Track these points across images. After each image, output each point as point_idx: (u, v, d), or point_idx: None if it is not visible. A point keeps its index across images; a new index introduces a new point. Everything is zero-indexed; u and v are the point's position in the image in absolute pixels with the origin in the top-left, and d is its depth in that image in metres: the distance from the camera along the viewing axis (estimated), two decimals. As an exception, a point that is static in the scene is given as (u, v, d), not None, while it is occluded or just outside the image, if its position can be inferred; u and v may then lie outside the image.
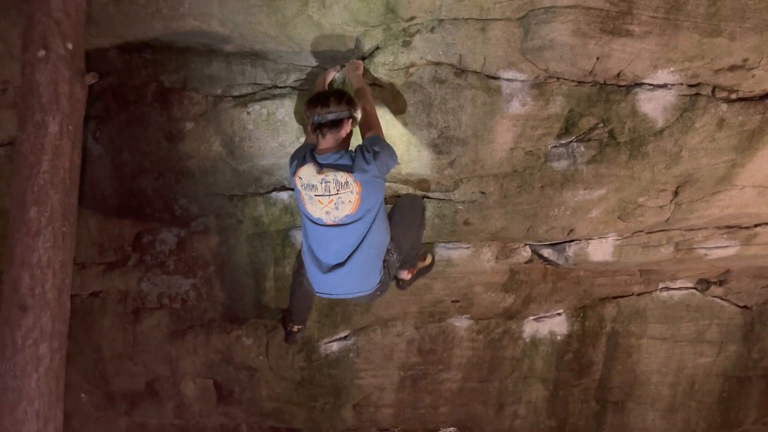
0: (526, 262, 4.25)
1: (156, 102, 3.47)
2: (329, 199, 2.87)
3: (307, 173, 2.89)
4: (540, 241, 4.06)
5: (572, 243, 3.99)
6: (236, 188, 3.71)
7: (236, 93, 3.45)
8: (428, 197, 3.62)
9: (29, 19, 2.60)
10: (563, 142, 3.42)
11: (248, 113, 3.43)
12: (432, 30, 3.06)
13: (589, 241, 3.96)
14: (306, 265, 3.16)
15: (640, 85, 3.24)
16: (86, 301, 4.05)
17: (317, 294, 3.19)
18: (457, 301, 4.34)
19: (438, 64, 3.15)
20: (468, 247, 4.05)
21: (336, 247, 2.98)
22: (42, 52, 2.59)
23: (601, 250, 3.99)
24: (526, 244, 4.15)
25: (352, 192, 2.84)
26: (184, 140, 3.52)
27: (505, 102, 3.22)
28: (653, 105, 3.25)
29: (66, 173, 2.74)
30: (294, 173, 2.95)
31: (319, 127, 2.85)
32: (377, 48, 3.16)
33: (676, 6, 2.95)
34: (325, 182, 2.85)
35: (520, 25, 3.02)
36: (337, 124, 2.84)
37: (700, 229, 3.98)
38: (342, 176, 2.82)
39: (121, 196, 3.72)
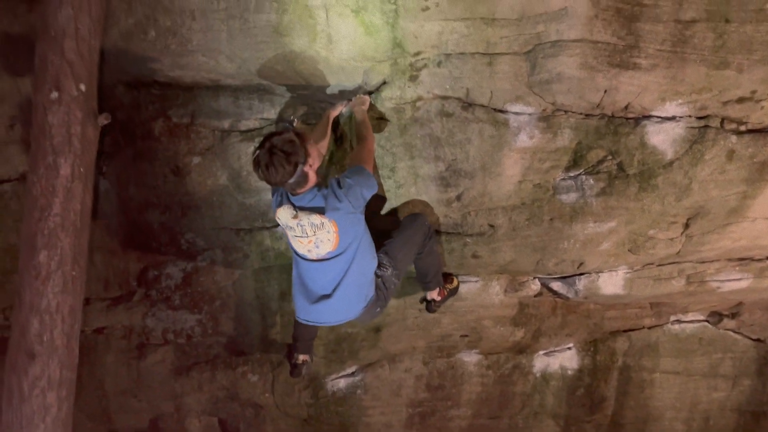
0: (535, 296, 4.20)
1: (163, 137, 3.48)
2: (308, 239, 2.91)
3: (284, 215, 2.92)
4: (549, 274, 4.01)
5: (582, 276, 3.95)
6: (243, 222, 3.70)
7: (243, 127, 3.46)
8: (436, 231, 3.59)
9: (42, 61, 2.60)
10: (572, 174, 3.40)
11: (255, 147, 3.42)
12: (439, 64, 3.08)
13: (600, 274, 3.92)
14: (294, 292, 3.18)
15: (648, 117, 3.23)
16: (90, 337, 4.01)
17: (301, 321, 3.21)
18: (466, 336, 4.28)
19: (445, 98, 3.16)
20: (477, 281, 4.01)
21: (322, 279, 3.02)
22: (55, 94, 2.58)
23: (611, 283, 3.94)
24: (535, 277, 4.11)
25: (329, 231, 2.87)
26: (191, 174, 3.52)
27: (512, 135, 3.21)
28: (662, 137, 3.24)
29: (77, 216, 2.71)
30: (275, 211, 2.99)
31: (287, 189, 2.88)
32: (384, 82, 3.18)
33: (682, 39, 2.96)
34: (301, 225, 2.88)
35: (527, 59, 3.03)
36: (299, 179, 2.79)
37: (712, 261, 3.93)
38: (316, 218, 2.84)
39: (127, 230, 3.71)
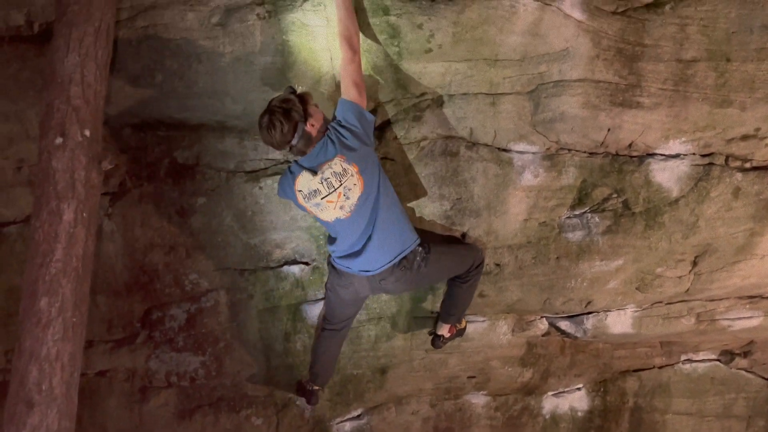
0: (543, 335, 4.14)
1: (169, 178, 3.49)
2: (337, 193, 2.82)
3: (304, 182, 2.85)
4: (557, 314, 3.97)
5: (590, 315, 3.90)
6: (247, 262, 3.68)
7: (249, 168, 3.47)
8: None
9: (48, 107, 2.62)
10: (577, 212, 3.39)
11: (260, 188, 3.44)
12: (442, 105, 3.10)
13: (608, 312, 3.88)
14: (340, 265, 3.08)
15: (652, 155, 3.24)
16: (92, 380, 3.96)
17: (364, 274, 3.04)
18: (474, 377, 4.21)
19: (449, 137, 3.18)
20: (484, 320, 3.96)
21: (359, 228, 2.92)
22: (60, 140, 2.58)
23: (620, 322, 3.90)
24: (543, 317, 4.06)
25: (352, 175, 2.79)
26: (196, 215, 3.52)
27: (517, 174, 3.22)
28: (667, 175, 3.25)
29: (79, 261, 2.69)
30: (293, 191, 2.91)
31: (294, 152, 2.80)
32: (389, 122, 3.20)
33: (684, 78, 2.99)
34: (325, 180, 2.80)
35: (530, 98, 3.05)
36: (304, 138, 2.73)
37: (722, 299, 3.89)
38: (336, 165, 2.77)
39: (131, 271, 3.70)
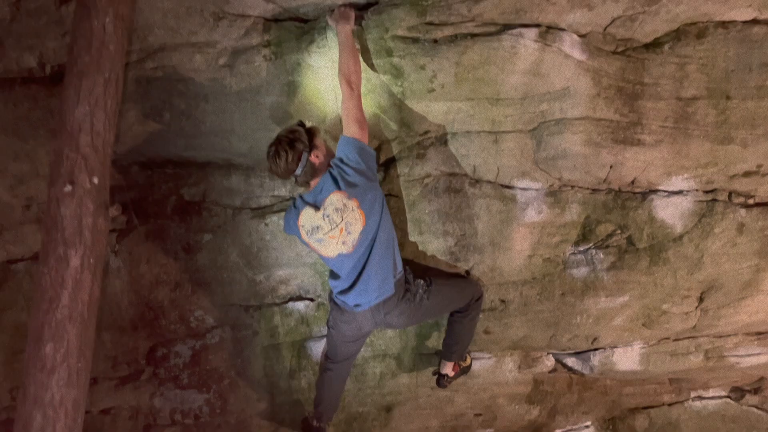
0: (550, 372, 4.10)
1: (176, 215, 3.52)
2: (339, 229, 2.83)
3: (307, 218, 2.87)
4: (563, 350, 3.94)
5: (597, 351, 3.86)
6: (252, 299, 3.69)
7: (255, 205, 3.50)
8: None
9: (57, 155, 2.66)
10: (582, 249, 3.39)
11: (266, 224, 3.46)
12: (445, 142, 3.14)
13: (615, 349, 3.84)
14: (339, 300, 3.08)
15: (655, 191, 3.25)
16: (96, 417, 3.93)
17: (352, 309, 3.06)
18: (480, 415, 4.16)
19: (452, 174, 3.20)
20: (489, 357, 3.93)
21: (356, 261, 2.94)
22: (68, 187, 2.62)
23: (627, 359, 3.85)
24: (549, 353, 4.02)
25: (353, 210, 2.80)
26: (202, 251, 3.54)
27: (520, 210, 3.23)
28: (670, 211, 3.25)
29: (85, 307, 2.71)
30: (296, 226, 2.93)
31: (299, 182, 2.86)
32: (393, 160, 3.23)
33: (684, 116, 3.01)
34: (327, 216, 2.81)
35: (532, 136, 3.08)
36: (310, 170, 2.80)
37: (730, 335, 3.85)
38: (337, 200, 2.78)
39: (137, 308, 3.70)
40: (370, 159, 2.83)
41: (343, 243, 2.87)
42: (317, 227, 2.86)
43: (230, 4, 2.90)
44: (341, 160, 2.79)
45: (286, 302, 3.70)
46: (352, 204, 2.79)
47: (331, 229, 2.84)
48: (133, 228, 3.54)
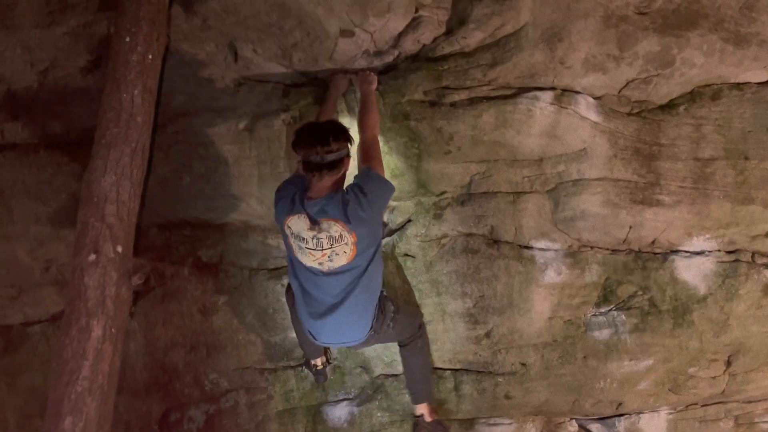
0: (573, 439, 3.96)
1: (192, 276, 3.52)
2: (322, 252, 2.62)
3: (298, 225, 2.63)
4: (587, 416, 3.81)
5: (622, 417, 3.73)
6: (267, 361, 3.64)
7: (271, 266, 3.50)
8: (467, 370, 3.48)
9: (83, 224, 2.68)
10: (603, 310, 3.33)
11: (282, 285, 3.45)
12: (462, 203, 3.14)
13: (641, 415, 3.71)
14: (297, 306, 2.89)
15: (676, 252, 3.21)
16: (107, 485, 3.84)
17: (315, 342, 2.93)
18: (501, 484, 4.00)
19: (470, 235, 3.19)
20: (510, 423, 3.80)
21: (331, 290, 2.73)
22: (93, 257, 2.63)
23: (654, 425, 3.72)
24: (572, 419, 3.89)
25: (347, 244, 2.59)
26: (218, 313, 3.52)
27: (539, 271, 3.20)
28: (693, 272, 3.20)
29: (105, 378, 2.67)
30: (283, 220, 2.69)
31: (318, 169, 2.51)
32: (409, 220, 3.23)
33: (703, 176, 3.01)
34: (317, 239, 2.59)
35: (550, 197, 3.08)
36: (336, 164, 2.52)
37: (760, 401, 3.72)
38: (336, 229, 2.56)
39: (151, 371, 3.66)
40: (387, 200, 2.72)
41: (320, 264, 2.69)
42: (302, 238, 2.67)
43: (250, 70, 2.98)
44: (361, 190, 2.59)
45: (302, 365, 3.65)
46: (350, 239, 2.61)
47: (314, 249, 2.65)
48: (150, 290, 3.54)
